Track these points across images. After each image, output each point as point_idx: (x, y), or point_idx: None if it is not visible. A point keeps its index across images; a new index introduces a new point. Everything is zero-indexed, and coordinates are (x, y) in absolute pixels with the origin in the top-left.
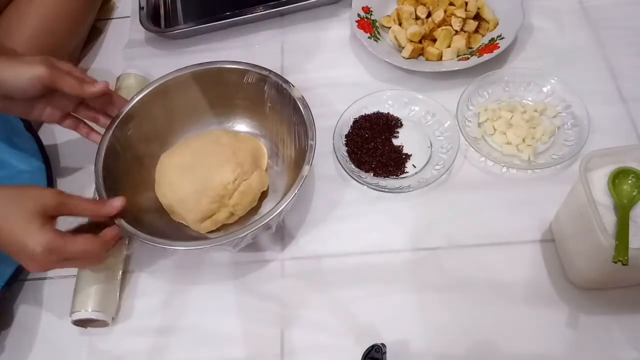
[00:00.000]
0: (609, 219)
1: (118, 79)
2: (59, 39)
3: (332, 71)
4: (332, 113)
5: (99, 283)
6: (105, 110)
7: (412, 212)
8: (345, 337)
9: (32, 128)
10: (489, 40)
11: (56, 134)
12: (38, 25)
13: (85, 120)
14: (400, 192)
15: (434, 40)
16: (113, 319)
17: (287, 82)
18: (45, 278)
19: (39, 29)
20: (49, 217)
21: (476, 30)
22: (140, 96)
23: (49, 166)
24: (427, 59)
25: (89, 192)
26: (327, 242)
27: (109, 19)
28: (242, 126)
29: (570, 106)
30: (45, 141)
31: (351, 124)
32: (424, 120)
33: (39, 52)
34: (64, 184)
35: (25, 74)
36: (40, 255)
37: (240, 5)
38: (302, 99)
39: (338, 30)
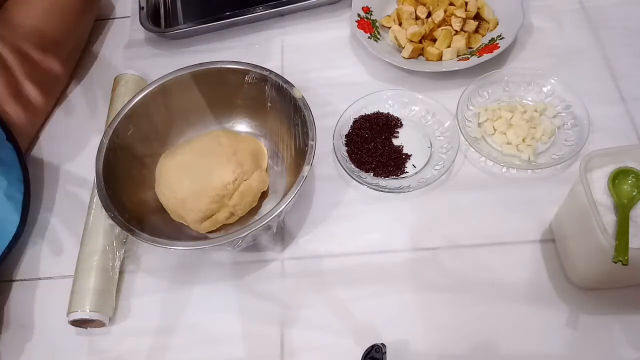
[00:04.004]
0: (609, 219)
1: (115, 79)
2: (52, 39)
3: (332, 71)
4: (332, 113)
5: (96, 283)
6: None
7: (412, 212)
8: (345, 337)
9: (13, 137)
10: (489, 40)
11: (57, 133)
12: (31, 25)
13: None
14: (400, 192)
15: (434, 40)
16: (110, 319)
17: (287, 82)
18: (45, 278)
19: (31, 29)
20: None
21: (476, 30)
22: (141, 96)
23: (27, 177)
24: (427, 59)
25: (89, 191)
26: (327, 242)
27: (109, 19)
28: (242, 126)
29: (570, 106)
30: (47, 139)
31: (351, 124)
32: (424, 120)
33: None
34: (65, 183)
35: None
36: None
37: (240, 5)
38: (303, 99)
39: (338, 30)
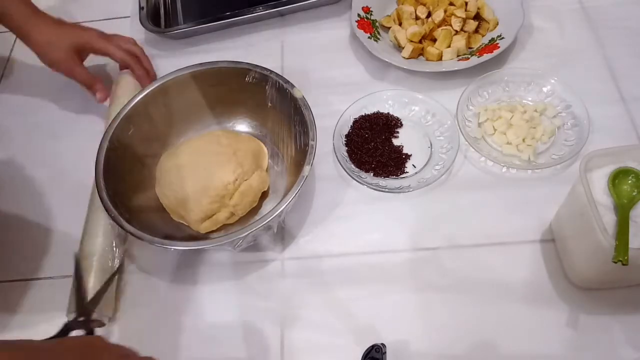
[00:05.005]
0: (609, 219)
1: (115, 80)
2: None
3: (332, 71)
4: (332, 113)
5: (95, 283)
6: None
7: (412, 212)
8: (345, 337)
9: None
10: (489, 40)
11: (57, 133)
12: None
13: None
14: (400, 192)
15: (434, 40)
16: (110, 318)
17: (287, 82)
18: (45, 278)
19: None
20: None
21: (476, 30)
22: (141, 96)
23: None
24: (427, 59)
25: (89, 191)
26: (327, 242)
27: (109, 19)
28: (242, 126)
29: (570, 106)
30: (47, 139)
31: (351, 124)
32: (424, 120)
33: None
34: (65, 182)
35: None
36: None
37: (240, 5)
38: (303, 99)
39: (338, 30)
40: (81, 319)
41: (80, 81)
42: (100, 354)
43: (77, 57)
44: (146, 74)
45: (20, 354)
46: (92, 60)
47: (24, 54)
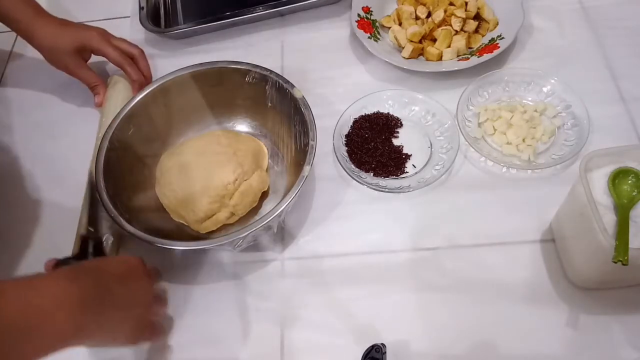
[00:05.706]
0: (609, 219)
1: (107, 80)
2: None
3: (332, 71)
4: (332, 113)
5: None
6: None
7: (412, 212)
8: (345, 337)
9: None
10: (489, 40)
11: (57, 132)
12: None
13: None
14: (400, 192)
15: (434, 40)
16: None
17: (287, 82)
18: None
19: None
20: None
21: (476, 30)
22: (141, 96)
23: None
24: (427, 59)
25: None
26: (327, 242)
27: (109, 19)
28: (242, 126)
29: (570, 106)
30: (43, 139)
31: (351, 124)
32: (424, 120)
33: None
34: (65, 182)
35: (49, 57)
36: None
37: (240, 5)
38: (303, 99)
39: (338, 30)
40: (91, 229)
41: (83, 82)
42: (137, 269)
43: (79, 57)
44: (140, 80)
45: (88, 282)
46: (94, 58)
47: (26, 51)
